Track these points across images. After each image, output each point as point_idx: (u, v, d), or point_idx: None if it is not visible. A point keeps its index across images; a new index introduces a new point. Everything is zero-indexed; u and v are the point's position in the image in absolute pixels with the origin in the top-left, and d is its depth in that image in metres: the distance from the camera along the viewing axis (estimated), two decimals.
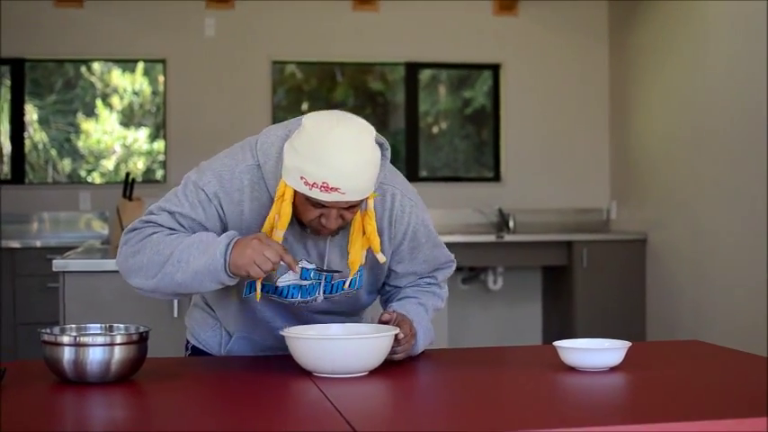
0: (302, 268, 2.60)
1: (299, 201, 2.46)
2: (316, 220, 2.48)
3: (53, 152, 8.47)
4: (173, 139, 8.33)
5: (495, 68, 8.77)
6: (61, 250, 6.49)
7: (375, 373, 2.39)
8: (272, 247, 2.41)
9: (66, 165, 8.52)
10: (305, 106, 8.95)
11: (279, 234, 2.47)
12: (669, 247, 7.72)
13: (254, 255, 2.40)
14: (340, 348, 2.33)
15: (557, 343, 2.48)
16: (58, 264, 4.40)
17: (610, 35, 8.72)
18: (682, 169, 7.54)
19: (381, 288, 2.85)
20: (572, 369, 2.42)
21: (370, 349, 2.36)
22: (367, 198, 2.50)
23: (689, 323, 7.36)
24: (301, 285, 2.64)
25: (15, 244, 7.27)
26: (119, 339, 2.27)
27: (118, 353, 2.25)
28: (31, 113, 8.38)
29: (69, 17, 8.13)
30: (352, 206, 2.46)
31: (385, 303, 2.85)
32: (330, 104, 8.89)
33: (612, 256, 7.96)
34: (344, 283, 2.66)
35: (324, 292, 2.67)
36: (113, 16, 8.19)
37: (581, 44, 8.74)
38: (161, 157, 8.53)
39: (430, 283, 2.84)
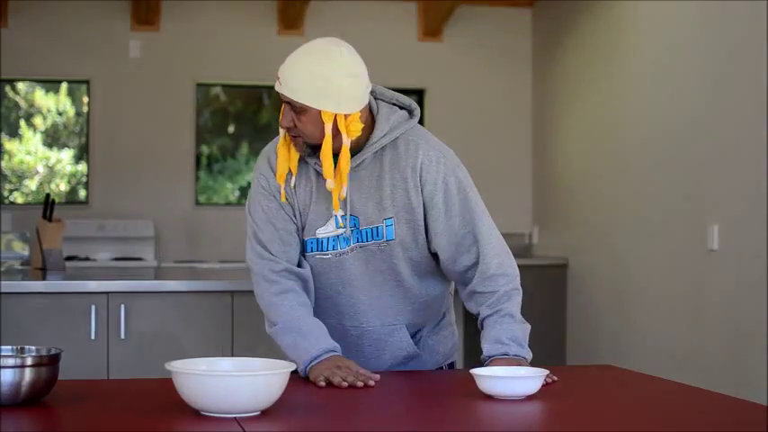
0: (333, 215, 2.73)
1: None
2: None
3: None
4: (96, 161, 8.29)
5: (419, 93, 8.84)
6: None
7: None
8: (346, 371, 2.58)
9: None
10: (231, 128, 8.95)
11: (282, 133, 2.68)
12: (589, 273, 7.83)
13: (330, 368, 2.58)
14: (226, 385, 2.10)
15: (474, 371, 2.44)
16: None
17: (533, 62, 8.85)
18: (601, 196, 7.66)
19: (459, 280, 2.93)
20: (489, 397, 2.37)
21: (260, 387, 2.13)
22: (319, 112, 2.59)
23: (607, 348, 7.46)
24: (338, 235, 2.76)
25: None
26: (29, 361, 2.25)
27: (28, 375, 2.24)
28: None
29: None
30: (302, 113, 2.59)
31: (481, 322, 3.02)
32: (256, 127, 8.90)
33: (534, 280, 8.02)
34: (372, 231, 2.74)
35: (357, 241, 2.76)
36: (37, 36, 8.14)
37: (505, 70, 8.86)
38: (84, 179, 8.48)
39: (501, 288, 2.95)
